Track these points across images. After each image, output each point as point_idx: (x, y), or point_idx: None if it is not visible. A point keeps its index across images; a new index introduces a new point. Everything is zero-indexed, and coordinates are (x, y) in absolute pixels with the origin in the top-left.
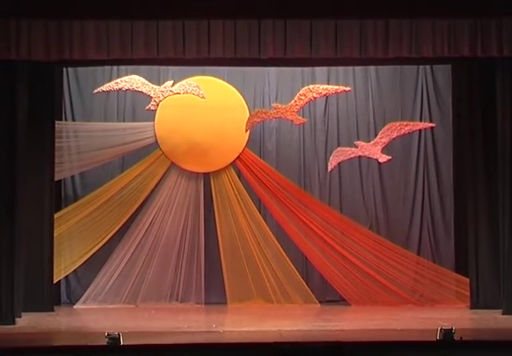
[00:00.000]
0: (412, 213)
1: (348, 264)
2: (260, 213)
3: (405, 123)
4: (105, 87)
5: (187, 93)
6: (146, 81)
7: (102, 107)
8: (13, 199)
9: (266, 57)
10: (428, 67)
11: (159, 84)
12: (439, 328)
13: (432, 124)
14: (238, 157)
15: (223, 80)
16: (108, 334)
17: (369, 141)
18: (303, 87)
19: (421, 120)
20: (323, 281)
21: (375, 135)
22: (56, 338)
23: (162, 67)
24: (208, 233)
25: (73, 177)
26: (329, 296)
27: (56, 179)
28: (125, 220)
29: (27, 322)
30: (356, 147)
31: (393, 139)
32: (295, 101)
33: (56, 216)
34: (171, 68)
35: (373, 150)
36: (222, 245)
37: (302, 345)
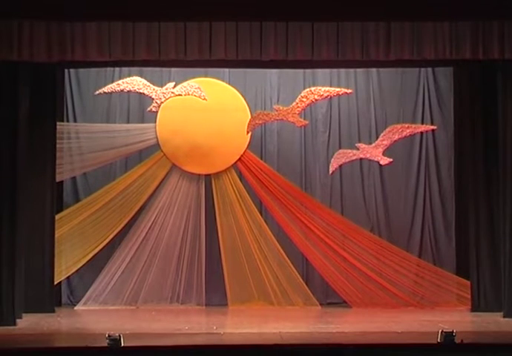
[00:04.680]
0: (413, 215)
1: (349, 266)
2: (261, 215)
3: (406, 125)
4: (107, 89)
5: (188, 94)
6: (148, 83)
7: (104, 109)
8: (15, 200)
9: (268, 59)
10: (430, 69)
11: (160, 85)
12: (440, 331)
13: (434, 127)
14: (239, 159)
15: (225, 82)
16: (109, 336)
17: (370, 143)
18: (304, 89)
19: (422, 122)
20: (324, 283)
21: (377, 137)
22: (56, 339)
23: (164, 69)
24: (209, 235)
25: (74, 178)
26: (329, 298)
27: (58, 180)
28: (126, 222)
29: (28, 323)
30: (357, 149)
31: (395, 141)
32: (297, 103)
33: (57, 217)
34: (173, 70)
35: (374, 152)
36: (223, 246)
37: (303, 348)
